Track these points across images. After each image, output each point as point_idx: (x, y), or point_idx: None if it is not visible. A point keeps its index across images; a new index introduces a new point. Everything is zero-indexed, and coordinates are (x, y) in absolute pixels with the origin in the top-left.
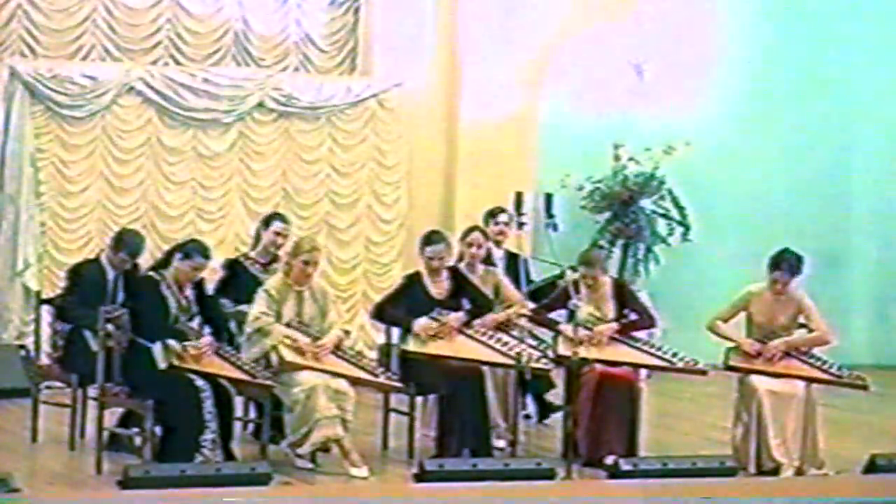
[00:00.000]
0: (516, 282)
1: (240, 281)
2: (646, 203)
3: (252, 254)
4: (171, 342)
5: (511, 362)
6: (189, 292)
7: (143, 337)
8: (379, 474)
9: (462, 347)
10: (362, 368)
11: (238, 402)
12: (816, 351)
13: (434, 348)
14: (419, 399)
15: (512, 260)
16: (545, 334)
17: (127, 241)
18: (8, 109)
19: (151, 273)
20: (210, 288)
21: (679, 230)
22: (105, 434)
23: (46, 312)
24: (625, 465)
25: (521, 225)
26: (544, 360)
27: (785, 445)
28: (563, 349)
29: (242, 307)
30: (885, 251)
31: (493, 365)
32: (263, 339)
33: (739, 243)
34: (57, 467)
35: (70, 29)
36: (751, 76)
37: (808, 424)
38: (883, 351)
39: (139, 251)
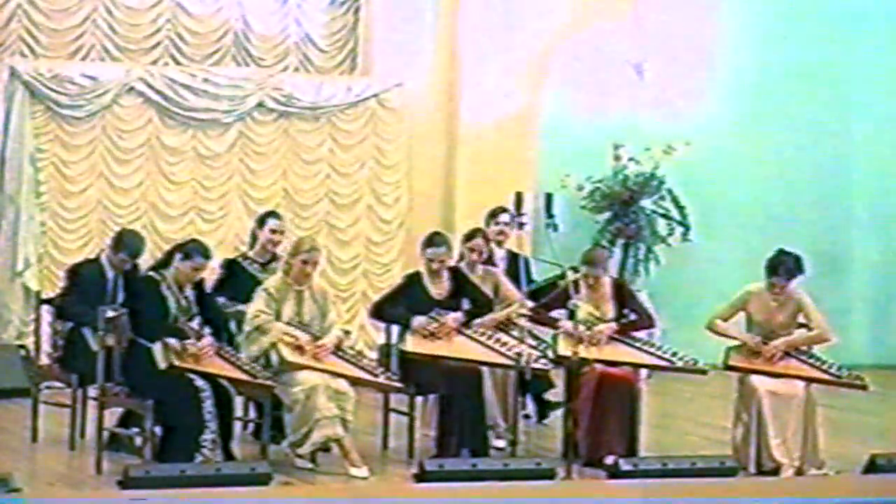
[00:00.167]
0: (517, 282)
1: (238, 280)
2: (646, 203)
3: (250, 253)
4: (171, 341)
5: (510, 363)
6: (189, 292)
7: (143, 337)
8: (379, 474)
9: (461, 348)
10: (362, 368)
11: (238, 402)
12: (816, 351)
13: (433, 348)
14: (419, 399)
15: (513, 260)
16: (545, 334)
17: (127, 242)
18: (8, 109)
19: (152, 273)
20: (208, 287)
21: (679, 230)
22: (105, 434)
23: (46, 312)
24: (625, 465)
25: (520, 225)
26: (543, 361)
27: (785, 445)
28: (563, 349)
29: (242, 307)
30: (885, 251)
31: (492, 365)
32: (262, 338)
33: (739, 243)
34: (57, 467)
35: (70, 29)
36: (751, 76)
37: (808, 424)
38: (883, 351)
39: (139, 252)
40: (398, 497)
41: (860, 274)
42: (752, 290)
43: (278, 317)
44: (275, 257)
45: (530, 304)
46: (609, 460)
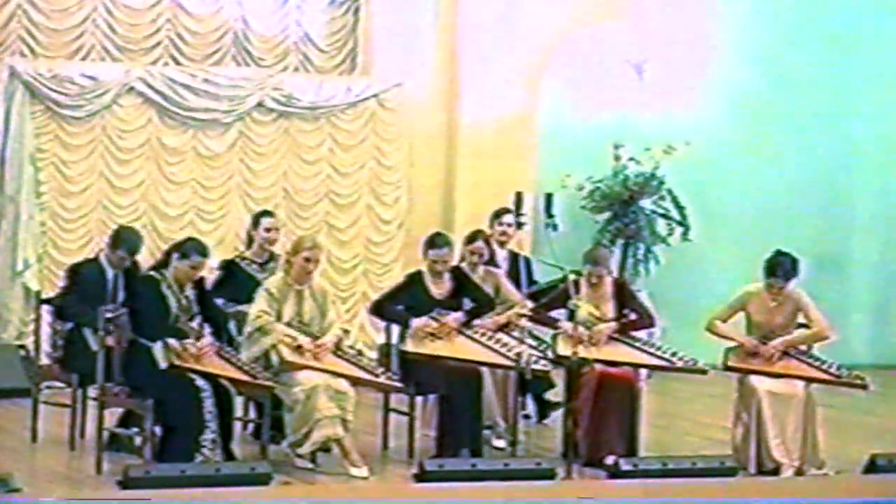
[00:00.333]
0: (517, 282)
1: (237, 281)
2: (646, 203)
3: (247, 254)
4: (172, 342)
5: (511, 364)
6: (189, 292)
7: (143, 337)
8: (379, 474)
9: (461, 348)
10: (362, 368)
11: (238, 402)
12: (816, 350)
13: (433, 349)
14: (419, 399)
15: (515, 260)
16: (545, 334)
17: (124, 239)
18: (8, 109)
19: (152, 273)
20: (208, 287)
21: (679, 230)
22: (105, 434)
23: (46, 312)
24: (625, 465)
25: (520, 225)
26: (544, 363)
27: (785, 445)
28: (563, 349)
29: (242, 307)
30: (885, 251)
31: (492, 366)
32: (263, 339)
33: (739, 243)
34: (57, 467)
35: (70, 29)
36: (751, 76)
37: (807, 424)
38: (883, 351)
39: (137, 248)
40: (398, 497)
41: (860, 274)
42: (751, 291)
43: (279, 317)
44: (273, 256)
45: (531, 304)
46: (609, 460)
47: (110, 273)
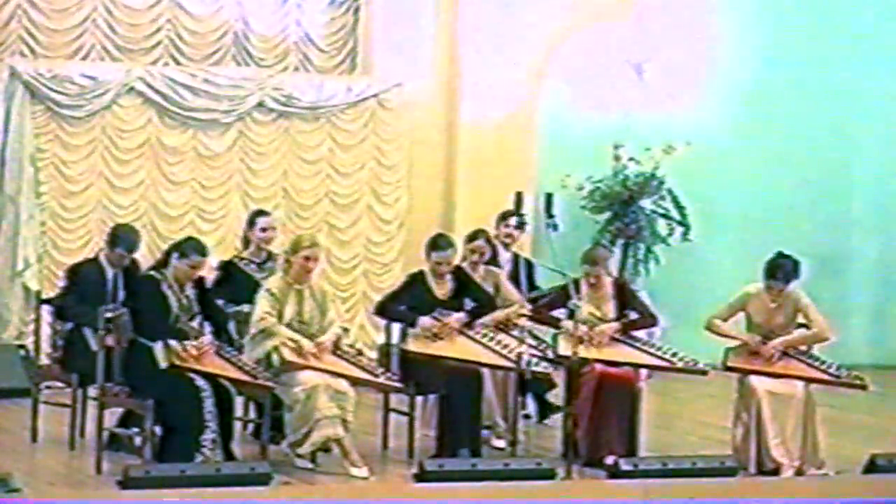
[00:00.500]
0: (518, 284)
1: (236, 281)
2: (646, 203)
3: (245, 254)
4: (173, 343)
5: (511, 365)
6: (189, 291)
7: (143, 336)
8: (379, 474)
9: (462, 348)
10: (362, 368)
11: (238, 402)
12: (816, 351)
13: (434, 348)
14: (419, 399)
15: (517, 263)
16: (545, 333)
17: (122, 236)
18: (8, 109)
19: (152, 272)
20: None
21: (679, 230)
22: (105, 434)
23: (46, 312)
24: (625, 465)
25: (523, 225)
26: (544, 365)
27: (785, 445)
28: (564, 349)
29: (242, 307)
30: (885, 251)
31: (493, 367)
32: (266, 341)
33: (739, 243)
34: (57, 467)
35: (70, 29)
36: (751, 76)
37: (807, 424)
38: (882, 351)
39: (135, 245)
40: (398, 497)
41: (860, 274)
42: (751, 292)
43: (280, 317)
44: (270, 256)
45: (530, 306)
46: (609, 460)
47: (110, 273)
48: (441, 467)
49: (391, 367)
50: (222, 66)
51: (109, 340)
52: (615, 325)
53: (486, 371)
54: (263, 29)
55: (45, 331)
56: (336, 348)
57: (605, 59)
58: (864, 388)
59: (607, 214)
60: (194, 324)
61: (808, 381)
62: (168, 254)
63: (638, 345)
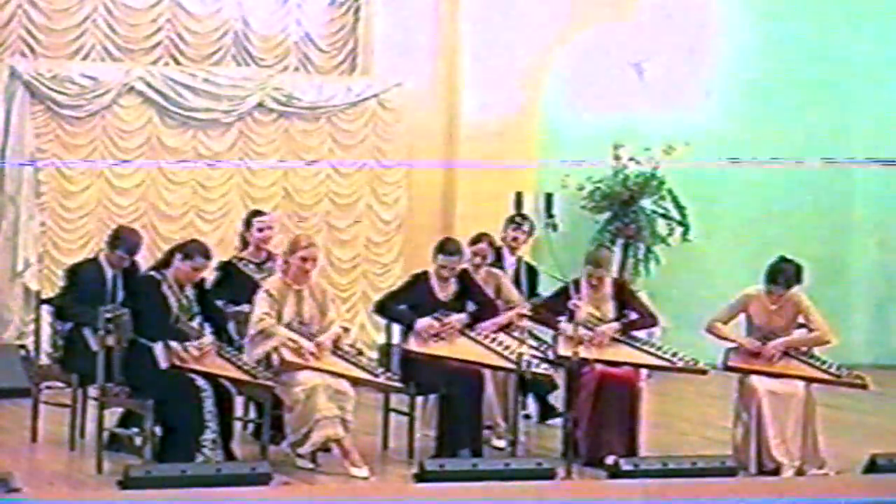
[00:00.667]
0: (519, 290)
1: (235, 282)
2: (646, 203)
3: (244, 254)
4: (173, 344)
5: (511, 366)
6: (189, 292)
7: (143, 337)
8: (379, 474)
9: (463, 349)
10: (362, 368)
11: (238, 402)
12: (816, 351)
13: (435, 349)
14: (419, 399)
15: (520, 268)
16: (546, 334)
17: (124, 239)
18: (8, 109)
19: (152, 273)
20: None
21: (679, 230)
22: (105, 434)
23: (46, 312)
24: (625, 465)
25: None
26: (545, 366)
27: (785, 445)
28: (564, 349)
29: (243, 307)
30: (885, 251)
31: (493, 368)
32: (266, 341)
33: (739, 243)
34: (57, 467)
35: (70, 29)
36: (751, 76)
37: (807, 424)
38: (883, 351)
39: (136, 248)
40: (398, 497)
41: (859, 274)
42: (751, 294)
43: (279, 317)
44: (270, 255)
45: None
46: (609, 460)
47: (110, 273)
48: (441, 467)
49: (391, 367)
50: (222, 66)
51: (109, 340)
52: (615, 325)
53: (486, 371)
54: (263, 29)
55: (45, 331)
56: (336, 348)
57: (605, 59)
58: (864, 387)
59: (607, 214)
60: (194, 324)
61: (809, 380)
62: (171, 254)
63: (638, 345)
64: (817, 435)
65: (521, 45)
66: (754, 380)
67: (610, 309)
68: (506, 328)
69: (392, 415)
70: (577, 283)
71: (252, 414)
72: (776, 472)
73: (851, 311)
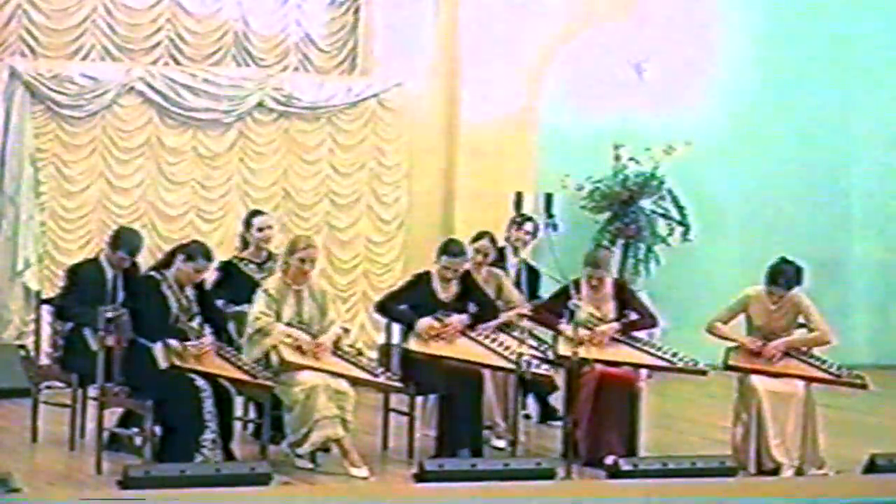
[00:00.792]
0: (519, 289)
1: (236, 282)
2: (646, 203)
3: (244, 254)
4: (173, 343)
5: (511, 366)
6: (189, 292)
7: (143, 337)
8: (379, 474)
9: (463, 349)
10: (362, 368)
11: (238, 402)
12: (816, 351)
13: (435, 349)
14: (419, 399)
15: (521, 270)
16: (546, 334)
17: (125, 240)
18: (8, 109)
19: (152, 273)
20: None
21: (679, 230)
22: (105, 434)
23: (46, 312)
24: (625, 465)
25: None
26: (545, 367)
27: (785, 445)
28: (563, 349)
29: (243, 307)
30: (885, 251)
31: (493, 368)
32: (264, 340)
33: (739, 243)
34: (57, 467)
35: (70, 29)
36: (751, 76)
37: (807, 424)
38: (883, 351)
39: (137, 249)
40: (398, 497)
41: (860, 274)
42: (751, 294)
43: (278, 317)
44: (270, 255)
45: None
46: (609, 460)
47: (110, 273)
48: (441, 467)
49: (391, 367)
50: (222, 66)
51: (109, 340)
52: (615, 325)
53: (486, 371)
54: (263, 29)
55: (45, 331)
56: (336, 348)
57: (605, 59)
58: (864, 387)
59: (607, 214)
60: (194, 324)
61: (809, 380)
62: (172, 254)
63: (638, 345)
64: (817, 435)
65: (521, 45)
66: (754, 380)
67: (610, 309)
68: (506, 328)
69: (392, 415)
70: (577, 283)
71: (252, 414)
72: (776, 472)
73: (852, 311)
